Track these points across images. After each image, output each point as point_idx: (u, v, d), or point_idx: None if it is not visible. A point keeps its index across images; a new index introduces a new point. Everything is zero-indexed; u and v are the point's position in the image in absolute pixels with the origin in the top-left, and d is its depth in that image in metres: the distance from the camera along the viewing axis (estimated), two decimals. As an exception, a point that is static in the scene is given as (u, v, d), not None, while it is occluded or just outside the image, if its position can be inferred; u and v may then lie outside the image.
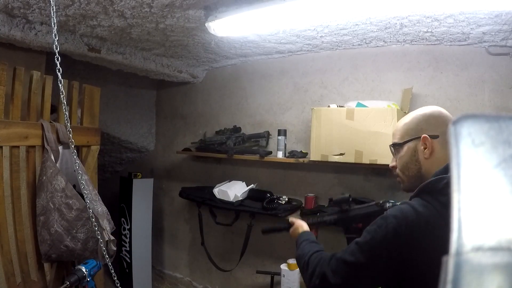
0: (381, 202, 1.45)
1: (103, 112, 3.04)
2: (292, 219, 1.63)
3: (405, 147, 1.16)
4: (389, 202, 1.42)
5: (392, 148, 1.23)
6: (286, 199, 2.83)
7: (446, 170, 0.99)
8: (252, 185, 3.05)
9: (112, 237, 2.09)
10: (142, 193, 3.74)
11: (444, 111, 1.16)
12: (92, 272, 1.95)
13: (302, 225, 1.55)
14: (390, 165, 1.26)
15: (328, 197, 2.71)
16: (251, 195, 2.97)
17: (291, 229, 1.60)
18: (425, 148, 1.10)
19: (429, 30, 2.22)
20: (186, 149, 3.54)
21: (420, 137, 1.11)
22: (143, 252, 3.75)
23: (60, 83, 1.55)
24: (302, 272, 1.24)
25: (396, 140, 1.20)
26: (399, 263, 0.98)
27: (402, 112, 2.34)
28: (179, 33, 2.42)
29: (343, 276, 1.05)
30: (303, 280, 1.25)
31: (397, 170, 1.21)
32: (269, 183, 3.16)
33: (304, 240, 1.42)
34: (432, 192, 0.99)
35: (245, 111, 3.37)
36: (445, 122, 1.10)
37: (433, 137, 1.09)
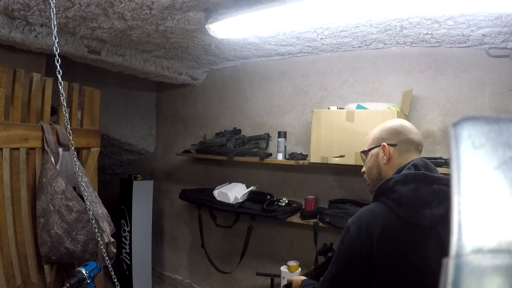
0: None
1: (103, 114, 3.04)
2: (289, 278, 1.72)
3: (370, 154, 1.32)
4: None
5: (361, 155, 1.40)
6: (286, 201, 2.83)
7: (398, 173, 1.15)
8: (252, 187, 3.05)
9: (112, 239, 2.09)
10: (142, 195, 3.74)
11: (406, 123, 1.30)
12: (92, 274, 1.95)
13: (300, 279, 1.63)
14: (362, 170, 1.41)
15: (328, 199, 2.72)
16: (251, 197, 2.97)
17: (292, 287, 1.67)
18: (384, 155, 1.26)
19: (429, 32, 2.22)
20: (186, 151, 3.54)
21: (381, 145, 1.27)
22: (143, 254, 3.74)
23: (60, 85, 1.56)
24: None
25: (364, 148, 1.37)
26: (368, 260, 1.09)
27: (403, 114, 2.34)
28: (179, 35, 2.42)
29: None
30: None
31: (365, 175, 1.38)
32: (269, 185, 3.16)
33: (304, 285, 1.52)
34: (384, 193, 1.14)
35: (245, 113, 3.37)
36: (403, 132, 1.26)
37: (392, 145, 1.25)
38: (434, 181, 1.09)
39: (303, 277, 1.65)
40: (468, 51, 2.40)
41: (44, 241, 2.08)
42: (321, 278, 1.24)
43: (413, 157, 1.22)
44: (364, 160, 1.38)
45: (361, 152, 1.40)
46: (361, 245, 1.09)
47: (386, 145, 1.25)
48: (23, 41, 2.18)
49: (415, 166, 1.15)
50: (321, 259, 1.84)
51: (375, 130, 1.35)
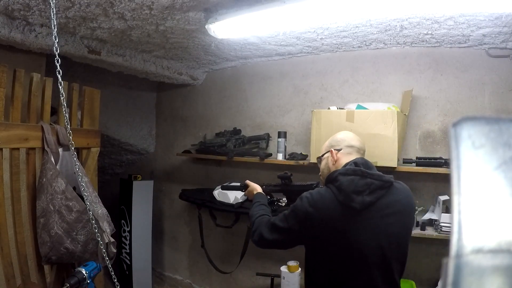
0: (315, 184, 1.93)
1: (103, 114, 3.04)
2: (248, 181, 2.09)
3: (323, 159, 1.67)
4: (320, 185, 1.85)
5: (317, 160, 1.75)
6: (286, 201, 2.83)
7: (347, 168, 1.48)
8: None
9: (112, 239, 2.09)
10: (142, 195, 3.74)
11: (349, 133, 1.68)
12: (92, 274, 1.95)
13: (256, 188, 2.01)
14: (319, 174, 1.72)
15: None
16: (251, 197, 2.97)
17: (247, 190, 2.07)
18: (332, 158, 1.60)
19: (429, 32, 2.22)
20: (186, 151, 3.54)
21: (330, 151, 1.62)
22: (143, 254, 3.74)
23: (60, 85, 1.56)
24: (251, 229, 1.66)
25: (319, 155, 1.72)
26: (309, 227, 1.43)
27: (403, 114, 2.34)
28: (179, 35, 2.42)
29: (273, 235, 1.53)
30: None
31: (320, 176, 1.71)
32: (269, 185, 3.15)
33: (257, 201, 1.86)
34: (331, 181, 1.47)
35: (245, 113, 3.37)
36: (346, 140, 1.62)
37: (337, 150, 1.60)
38: (368, 176, 1.40)
39: (259, 188, 2.00)
40: (468, 51, 2.40)
41: (44, 241, 2.08)
42: (272, 220, 1.57)
43: (355, 158, 1.55)
44: (319, 164, 1.71)
45: (317, 158, 1.75)
46: (307, 211, 1.42)
47: (333, 150, 1.60)
48: (23, 41, 2.18)
49: (356, 163, 1.47)
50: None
51: (327, 141, 1.70)
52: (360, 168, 1.42)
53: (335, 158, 1.58)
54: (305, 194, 1.48)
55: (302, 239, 1.51)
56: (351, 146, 1.59)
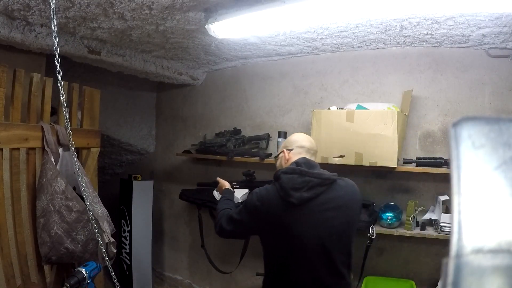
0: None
1: (103, 114, 3.04)
2: (218, 178, 2.27)
3: (278, 158, 1.82)
4: None
5: (274, 158, 1.92)
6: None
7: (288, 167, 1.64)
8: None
9: (112, 239, 2.09)
10: (142, 195, 3.74)
11: (302, 135, 1.84)
12: (92, 274, 1.95)
13: (224, 184, 2.19)
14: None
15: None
16: (251, 197, 2.97)
17: (217, 186, 2.26)
18: (284, 157, 1.74)
19: (429, 32, 2.22)
20: (186, 151, 3.53)
21: (283, 151, 1.77)
22: (143, 254, 3.74)
23: (60, 85, 1.56)
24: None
25: (276, 154, 1.90)
26: (257, 219, 1.62)
27: (403, 114, 2.33)
28: (179, 35, 2.42)
29: (230, 227, 1.71)
30: None
31: None
32: (269, 185, 3.15)
33: (223, 197, 2.04)
34: (276, 178, 1.62)
35: (245, 113, 3.37)
36: (298, 141, 1.76)
37: (289, 150, 1.74)
38: (307, 174, 1.54)
39: (228, 184, 2.18)
40: (468, 51, 2.40)
41: (44, 241, 2.08)
42: (230, 213, 1.73)
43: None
44: (276, 163, 1.86)
45: (274, 157, 1.95)
46: (255, 205, 1.60)
47: (285, 150, 1.75)
48: (23, 41, 2.18)
49: (297, 163, 1.62)
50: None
51: (283, 142, 1.85)
52: (300, 167, 1.58)
53: (287, 157, 1.73)
54: (255, 190, 1.66)
55: (254, 230, 1.70)
56: (301, 147, 1.73)
